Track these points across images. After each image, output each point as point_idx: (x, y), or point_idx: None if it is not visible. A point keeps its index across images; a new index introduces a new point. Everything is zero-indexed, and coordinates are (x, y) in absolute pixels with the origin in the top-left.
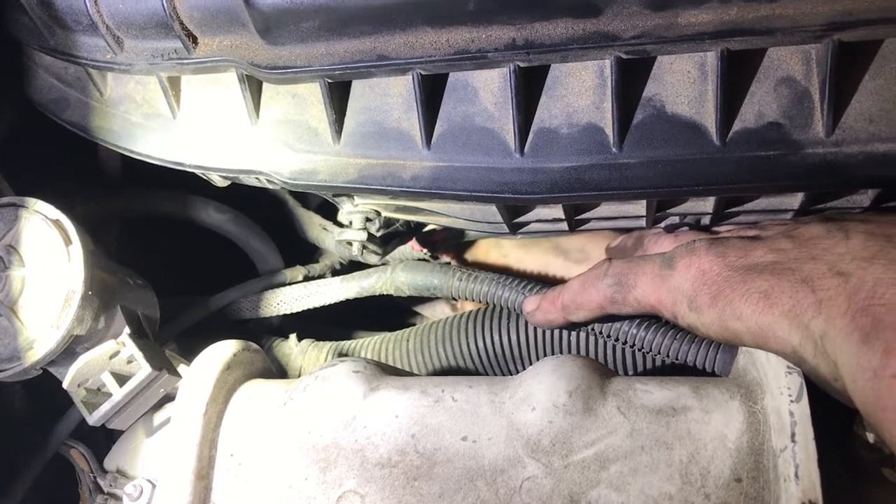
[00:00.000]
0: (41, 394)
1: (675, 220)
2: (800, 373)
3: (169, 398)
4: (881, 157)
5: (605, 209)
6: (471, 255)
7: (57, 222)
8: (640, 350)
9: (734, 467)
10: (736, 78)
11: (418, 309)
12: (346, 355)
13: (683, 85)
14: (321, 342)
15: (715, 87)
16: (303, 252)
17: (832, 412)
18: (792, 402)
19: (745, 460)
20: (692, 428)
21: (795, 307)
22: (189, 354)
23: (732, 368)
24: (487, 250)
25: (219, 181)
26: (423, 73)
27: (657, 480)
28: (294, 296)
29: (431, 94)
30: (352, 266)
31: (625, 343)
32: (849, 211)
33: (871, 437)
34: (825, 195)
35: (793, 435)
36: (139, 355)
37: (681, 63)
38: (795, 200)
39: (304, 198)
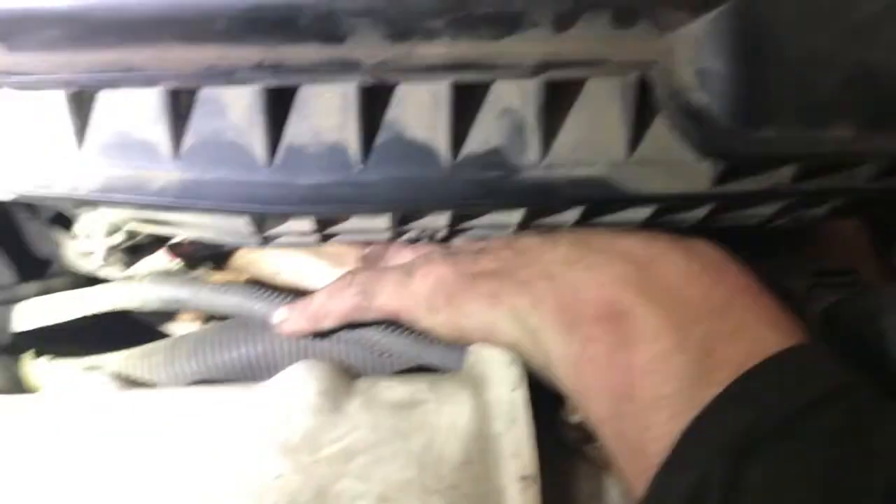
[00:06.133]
0: None
1: (414, 234)
2: (519, 365)
3: None
4: (583, 179)
5: (353, 223)
6: (230, 264)
7: None
8: (381, 354)
9: (464, 451)
10: (464, 107)
11: (167, 326)
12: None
13: (420, 111)
14: (60, 359)
15: (446, 114)
16: (40, 267)
17: (550, 399)
18: (512, 391)
19: (474, 445)
20: (428, 419)
21: (515, 306)
22: None
23: (464, 364)
24: (247, 259)
25: None
26: (171, 86)
27: (397, 468)
28: (30, 312)
29: (181, 106)
30: (95, 280)
31: (370, 348)
32: (560, 225)
33: (575, 419)
34: (541, 212)
35: (513, 420)
36: None
37: (418, 91)
38: (516, 217)
39: (34, 210)
